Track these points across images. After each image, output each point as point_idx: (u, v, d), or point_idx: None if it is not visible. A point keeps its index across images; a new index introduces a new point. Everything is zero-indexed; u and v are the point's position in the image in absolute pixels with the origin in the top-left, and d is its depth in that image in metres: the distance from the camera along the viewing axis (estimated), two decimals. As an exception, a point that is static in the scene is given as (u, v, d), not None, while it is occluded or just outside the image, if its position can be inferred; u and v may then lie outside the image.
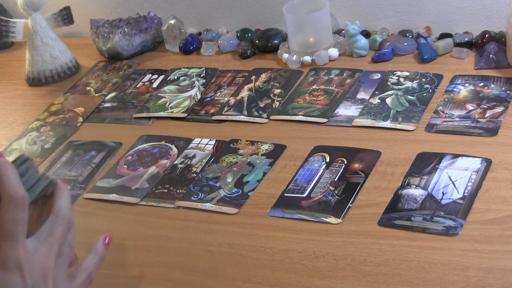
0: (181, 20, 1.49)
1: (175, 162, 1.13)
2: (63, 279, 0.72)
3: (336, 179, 1.02)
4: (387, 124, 1.11)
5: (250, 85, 1.30)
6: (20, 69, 1.52)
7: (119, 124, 1.27)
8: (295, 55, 1.33)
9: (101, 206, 1.08)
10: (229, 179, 1.07)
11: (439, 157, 1.02)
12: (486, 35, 1.27)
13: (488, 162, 0.99)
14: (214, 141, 1.16)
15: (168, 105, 1.29)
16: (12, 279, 0.67)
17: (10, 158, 1.22)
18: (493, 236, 0.87)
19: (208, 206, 1.02)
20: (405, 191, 0.97)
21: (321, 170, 1.04)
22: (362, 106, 1.17)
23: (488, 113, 1.09)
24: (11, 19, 1.45)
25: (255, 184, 1.05)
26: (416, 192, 0.96)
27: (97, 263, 0.78)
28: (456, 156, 1.01)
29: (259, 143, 1.13)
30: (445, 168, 0.99)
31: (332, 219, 0.95)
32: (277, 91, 1.27)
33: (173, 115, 1.26)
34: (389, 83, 1.21)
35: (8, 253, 0.67)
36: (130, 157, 1.17)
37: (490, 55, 1.22)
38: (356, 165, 1.04)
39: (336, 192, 0.99)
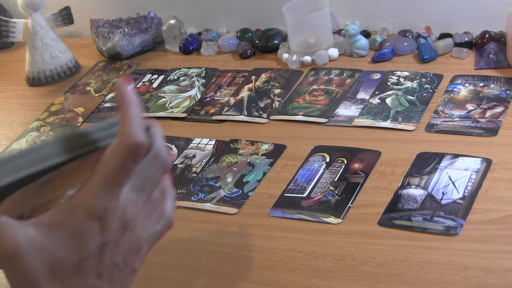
0: (181, 20, 1.49)
1: (175, 162, 1.13)
2: (144, 230, 0.63)
3: (336, 179, 1.02)
4: (387, 124, 1.11)
5: (250, 85, 1.30)
6: (20, 69, 1.52)
7: (119, 124, 1.27)
8: (295, 55, 1.33)
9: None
10: (229, 179, 1.07)
11: (439, 157, 1.02)
12: (486, 35, 1.27)
13: (488, 162, 0.99)
14: (214, 141, 1.16)
15: (168, 105, 1.29)
16: (91, 229, 0.59)
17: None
18: (493, 236, 0.87)
19: (208, 206, 1.02)
20: (405, 191, 0.97)
21: (321, 170, 1.04)
22: (362, 106, 1.17)
23: (488, 113, 1.09)
24: (11, 19, 1.45)
25: (255, 184, 1.05)
26: (416, 192, 0.96)
27: (174, 205, 0.68)
28: (456, 156, 1.01)
29: (259, 143, 1.13)
30: (445, 168, 0.99)
31: (332, 219, 0.95)
32: (277, 91, 1.27)
33: (173, 115, 1.26)
34: (389, 83, 1.21)
35: (99, 199, 0.59)
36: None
37: (490, 55, 1.22)
38: (356, 165, 1.04)
39: (336, 192, 0.99)
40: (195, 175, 1.09)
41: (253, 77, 1.32)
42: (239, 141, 1.15)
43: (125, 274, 0.63)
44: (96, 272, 0.60)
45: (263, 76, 1.32)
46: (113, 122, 0.63)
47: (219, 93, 1.30)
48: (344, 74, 1.27)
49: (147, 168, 0.62)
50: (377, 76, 1.25)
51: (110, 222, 0.60)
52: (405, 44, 1.31)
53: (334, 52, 1.33)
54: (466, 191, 0.94)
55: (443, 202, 0.93)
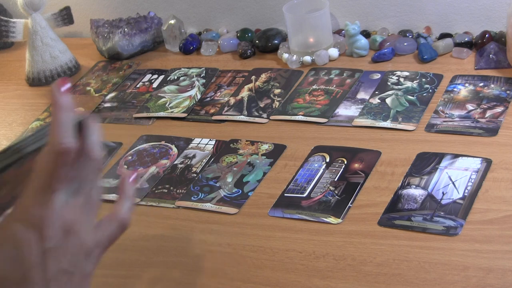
0: (181, 20, 1.49)
1: (175, 162, 1.13)
2: (89, 232, 0.63)
3: (336, 179, 1.02)
4: (387, 124, 1.11)
5: (250, 85, 1.30)
6: (20, 69, 1.52)
7: (119, 124, 1.27)
8: (295, 55, 1.33)
9: (101, 206, 1.08)
10: (229, 179, 1.07)
11: (439, 157, 1.02)
12: (486, 35, 1.27)
13: (488, 162, 0.99)
14: (214, 141, 1.16)
15: (168, 105, 1.29)
16: (30, 239, 0.59)
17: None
18: (493, 236, 0.87)
19: (208, 206, 1.02)
20: (405, 191, 0.97)
21: (321, 170, 1.04)
22: (362, 106, 1.17)
23: (488, 113, 1.09)
24: (11, 19, 1.45)
25: (255, 184, 1.05)
26: (416, 192, 0.96)
27: (131, 206, 0.68)
28: (456, 156, 1.01)
29: (259, 143, 1.13)
30: (445, 168, 0.99)
31: (332, 219, 0.95)
32: (277, 91, 1.27)
33: (173, 115, 1.26)
34: (389, 83, 1.21)
35: (34, 207, 0.60)
36: (130, 157, 1.17)
37: (490, 55, 1.22)
38: (356, 165, 1.04)
39: (336, 192, 0.99)
40: (195, 175, 1.09)
41: (253, 77, 1.32)
42: (239, 141, 1.15)
43: (77, 278, 0.62)
44: (43, 281, 0.60)
45: (263, 76, 1.32)
46: (46, 130, 0.64)
47: (219, 93, 1.30)
48: (344, 74, 1.27)
49: (81, 170, 0.62)
50: (377, 76, 1.25)
51: (48, 229, 0.60)
52: (405, 44, 1.31)
53: (334, 52, 1.33)
54: (466, 191, 0.94)
55: (443, 202, 0.93)
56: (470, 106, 1.12)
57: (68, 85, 0.62)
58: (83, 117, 0.64)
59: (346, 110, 1.17)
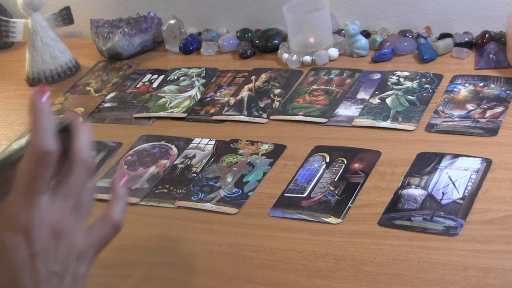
0: (181, 20, 1.49)
1: (175, 162, 1.13)
2: (80, 234, 0.63)
3: (336, 179, 1.02)
4: (387, 124, 1.11)
5: (250, 85, 1.30)
6: (20, 69, 1.52)
7: (119, 124, 1.27)
8: (295, 55, 1.33)
9: (101, 206, 1.08)
10: (229, 179, 1.07)
11: (439, 157, 1.02)
12: (486, 35, 1.27)
13: (488, 162, 0.99)
14: (214, 141, 1.16)
15: (168, 105, 1.29)
16: (16, 243, 0.60)
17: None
18: (493, 236, 0.87)
19: (208, 206, 1.02)
20: (405, 191, 0.97)
21: (321, 170, 1.04)
22: (362, 106, 1.17)
23: (488, 113, 1.09)
24: (11, 19, 1.45)
25: (255, 184, 1.05)
26: (416, 192, 0.96)
27: (123, 207, 0.68)
28: (456, 156, 1.01)
29: (259, 143, 1.13)
30: (445, 168, 0.99)
31: (332, 219, 0.95)
32: (277, 91, 1.27)
33: (173, 115, 1.26)
34: (389, 83, 1.21)
35: (18, 211, 0.60)
36: (130, 157, 1.17)
37: (490, 55, 1.22)
38: (356, 165, 1.04)
39: (336, 192, 0.99)
40: (195, 175, 1.09)
41: (253, 77, 1.32)
42: (239, 141, 1.15)
43: (69, 280, 0.62)
44: (33, 283, 0.60)
45: (263, 76, 1.32)
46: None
47: (219, 93, 1.30)
48: (344, 74, 1.27)
49: (69, 173, 0.62)
50: (377, 76, 1.25)
51: (35, 233, 0.60)
52: (405, 44, 1.31)
53: (334, 52, 1.33)
54: (466, 191, 0.94)
55: (443, 202, 0.93)
56: (470, 106, 1.12)
57: (48, 94, 0.62)
58: (69, 120, 0.64)
59: (346, 110, 1.17)
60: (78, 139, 0.64)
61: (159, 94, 1.33)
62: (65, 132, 0.64)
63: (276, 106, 1.22)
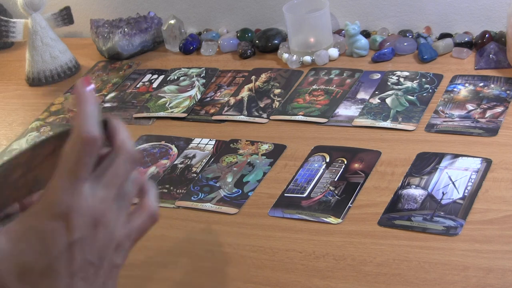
0: (181, 20, 1.49)
1: (175, 162, 1.13)
2: (119, 225, 0.63)
3: (336, 179, 1.02)
4: (387, 124, 1.11)
5: (250, 85, 1.30)
6: (20, 69, 1.52)
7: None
8: (295, 55, 1.33)
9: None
10: (229, 179, 1.07)
11: (439, 157, 1.02)
12: (486, 35, 1.27)
13: (488, 162, 0.99)
14: (214, 141, 1.16)
15: (168, 105, 1.29)
16: (55, 229, 0.59)
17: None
18: (493, 236, 0.87)
19: (208, 206, 1.02)
20: (405, 191, 0.97)
21: (321, 170, 1.04)
22: (362, 106, 1.17)
23: (488, 113, 1.09)
24: (11, 19, 1.45)
25: (255, 184, 1.05)
26: (416, 192, 0.96)
27: (156, 197, 0.68)
28: (456, 156, 1.01)
29: (259, 143, 1.13)
30: (445, 168, 0.99)
31: (332, 219, 0.95)
32: (277, 91, 1.27)
33: (173, 115, 1.26)
34: (389, 83, 1.21)
35: (60, 196, 0.59)
36: (130, 157, 1.16)
37: (490, 55, 1.22)
38: (356, 165, 1.04)
39: (336, 192, 0.99)
40: (195, 175, 1.09)
41: (253, 77, 1.32)
42: (239, 141, 1.15)
43: (104, 271, 0.62)
44: (68, 272, 0.59)
45: (263, 76, 1.32)
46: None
47: (219, 93, 1.30)
48: (344, 74, 1.27)
49: (113, 163, 0.62)
50: (377, 76, 1.25)
51: (75, 220, 0.59)
52: (405, 44, 1.31)
53: (334, 52, 1.33)
54: (466, 191, 0.94)
55: (443, 202, 0.93)
56: (470, 106, 1.12)
57: (92, 86, 0.63)
58: (108, 117, 0.64)
59: (346, 110, 1.17)
60: (120, 132, 0.63)
61: (159, 94, 1.33)
62: (103, 128, 0.63)
63: (276, 106, 1.22)
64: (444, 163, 1.00)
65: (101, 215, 0.61)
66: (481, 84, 1.16)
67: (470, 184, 0.95)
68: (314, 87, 1.25)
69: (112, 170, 0.62)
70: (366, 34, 1.37)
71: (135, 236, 0.65)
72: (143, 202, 0.67)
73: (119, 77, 1.43)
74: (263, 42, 1.40)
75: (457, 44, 1.28)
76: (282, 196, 1.01)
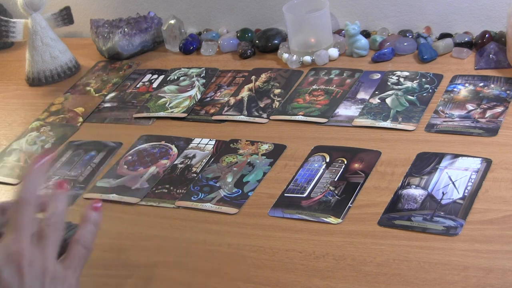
0: (181, 20, 1.49)
1: (175, 162, 1.13)
2: (48, 259, 0.71)
3: (336, 179, 1.02)
4: (387, 124, 1.11)
5: (250, 85, 1.30)
6: (20, 69, 1.52)
7: (119, 124, 1.27)
8: (295, 55, 1.33)
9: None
10: (229, 179, 1.07)
11: (439, 157, 1.02)
12: (486, 35, 1.27)
13: (488, 162, 0.99)
14: (214, 141, 1.16)
15: (168, 105, 1.29)
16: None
17: (10, 158, 1.23)
18: (493, 236, 0.87)
19: (208, 206, 1.02)
20: (405, 191, 0.97)
21: (321, 170, 1.04)
22: (362, 106, 1.17)
23: (488, 113, 1.09)
24: (11, 19, 1.45)
25: (255, 184, 1.05)
26: (416, 192, 0.96)
27: (93, 230, 0.76)
28: (456, 156, 1.01)
29: (259, 143, 1.13)
30: (445, 168, 0.99)
31: (332, 219, 0.95)
32: (277, 91, 1.27)
33: (173, 115, 1.26)
34: (389, 83, 1.21)
35: (11, 246, 0.70)
36: (130, 157, 1.17)
37: (490, 55, 1.22)
38: (356, 165, 1.04)
39: (336, 192, 0.99)
40: (195, 175, 1.09)
41: (253, 77, 1.32)
42: (239, 141, 1.15)
43: None
44: None
45: (263, 76, 1.32)
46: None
47: (219, 93, 1.30)
48: (344, 74, 1.27)
49: (14, 212, 0.73)
50: (377, 76, 1.25)
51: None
52: (405, 44, 1.31)
53: (334, 52, 1.33)
54: (466, 191, 0.94)
55: (443, 202, 0.93)
56: (470, 106, 1.12)
57: (49, 157, 0.76)
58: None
59: (346, 110, 1.17)
60: (22, 184, 0.75)
61: (159, 94, 1.33)
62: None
63: (276, 106, 1.22)
64: (444, 163, 1.00)
65: (20, 257, 0.70)
66: (481, 84, 1.16)
67: (470, 184, 0.95)
68: (314, 87, 1.25)
69: (15, 219, 0.72)
70: (366, 34, 1.37)
71: (74, 266, 0.73)
72: (77, 234, 0.75)
73: (119, 77, 1.43)
74: (263, 42, 1.40)
75: (457, 44, 1.28)
76: (282, 196, 1.01)
